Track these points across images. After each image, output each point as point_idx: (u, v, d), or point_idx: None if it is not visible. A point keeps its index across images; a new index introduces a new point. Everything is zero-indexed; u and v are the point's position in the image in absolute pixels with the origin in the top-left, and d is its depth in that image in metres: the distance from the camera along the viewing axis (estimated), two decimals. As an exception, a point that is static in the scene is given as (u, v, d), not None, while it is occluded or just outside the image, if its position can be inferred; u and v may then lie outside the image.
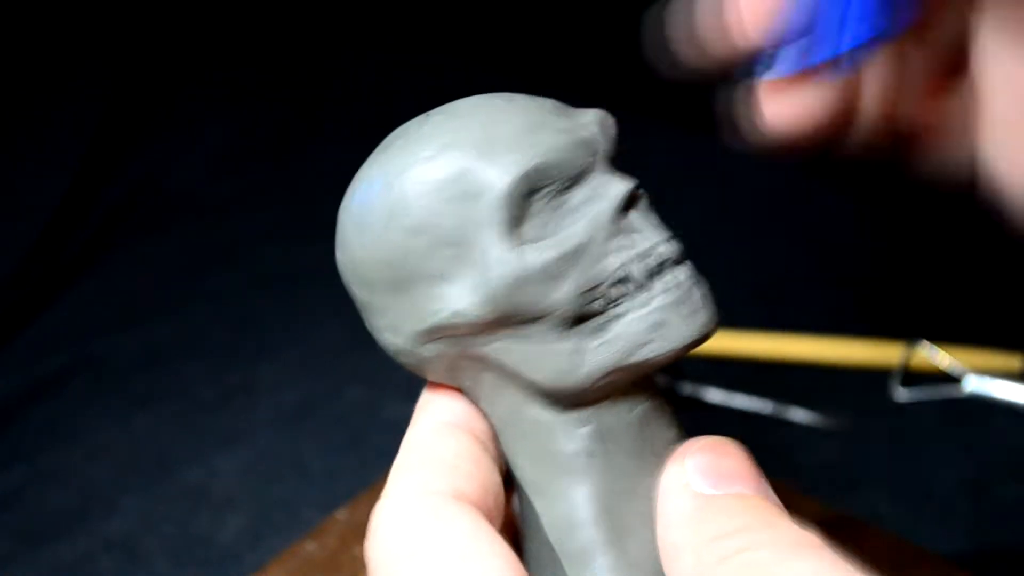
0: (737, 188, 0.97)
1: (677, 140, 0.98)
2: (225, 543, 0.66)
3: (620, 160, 0.34)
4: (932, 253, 0.86)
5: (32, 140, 1.11)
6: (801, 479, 0.66)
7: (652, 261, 0.32)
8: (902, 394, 0.72)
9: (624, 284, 0.32)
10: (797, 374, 0.75)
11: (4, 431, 0.75)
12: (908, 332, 0.74)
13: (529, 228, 0.32)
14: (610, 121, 0.34)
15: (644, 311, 0.32)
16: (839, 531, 0.63)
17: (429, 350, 0.33)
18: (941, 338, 0.73)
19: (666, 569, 0.31)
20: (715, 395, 0.72)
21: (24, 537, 0.67)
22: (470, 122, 0.33)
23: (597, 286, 0.32)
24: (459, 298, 0.32)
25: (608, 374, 0.32)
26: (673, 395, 0.72)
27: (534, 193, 0.32)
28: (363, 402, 0.75)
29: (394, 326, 0.34)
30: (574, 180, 0.32)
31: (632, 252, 0.32)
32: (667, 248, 0.32)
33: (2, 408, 0.77)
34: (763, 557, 0.28)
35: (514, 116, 0.33)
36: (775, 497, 0.32)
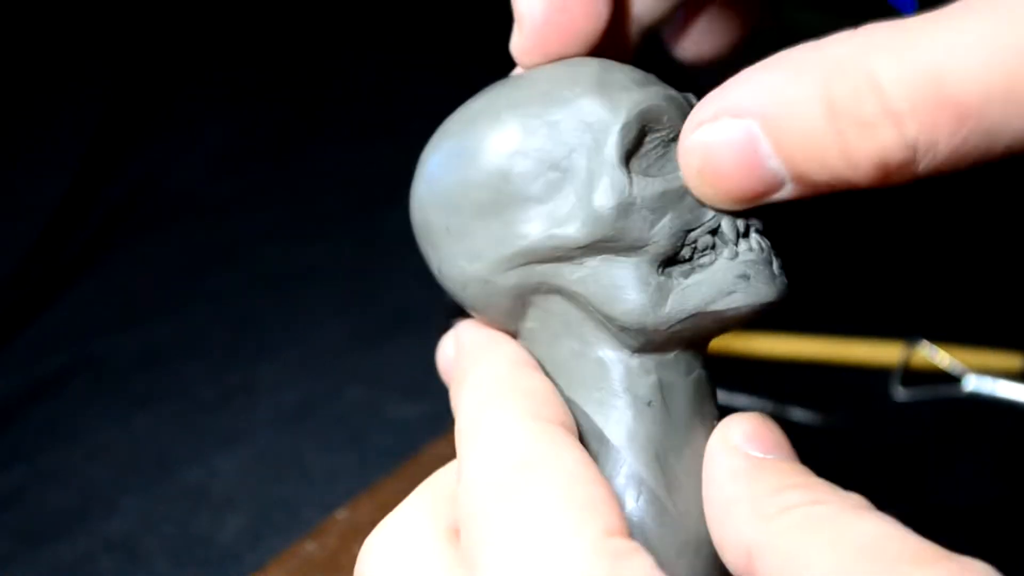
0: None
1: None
2: (225, 543, 0.66)
3: None
4: (932, 252, 0.86)
5: (32, 140, 1.11)
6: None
7: (741, 224, 0.33)
8: (902, 393, 0.72)
9: (714, 235, 0.33)
10: (797, 373, 0.75)
11: (4, 431, 0.75)
12: (908, 331, 0.74)
13: (637, 165, 0.33)
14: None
15: (732, 262, 0.33)
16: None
17: (508, 278, 0.34)
18: (941, 337, 0.73)
19: (716, 526, 0.31)
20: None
21: (24, 537, 0.67)
22: (584, 68, 0.34)
23: (692, 230, 0.33)
24: (557, 221, 0.33)
25: (687, 318, 0.33)
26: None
27: (647, 133, 0.33)
28: (363, 402, 0.75)
29: (475, 251, 0.34)
30: (675, 136, 0.33)
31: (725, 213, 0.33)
32: (754, 218, 0.34)
33: (2, 408, 0.77)
34: (829, 511, 0.29)
35: (623, 70, 0.34)
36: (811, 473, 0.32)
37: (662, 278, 0.33)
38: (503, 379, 0.33)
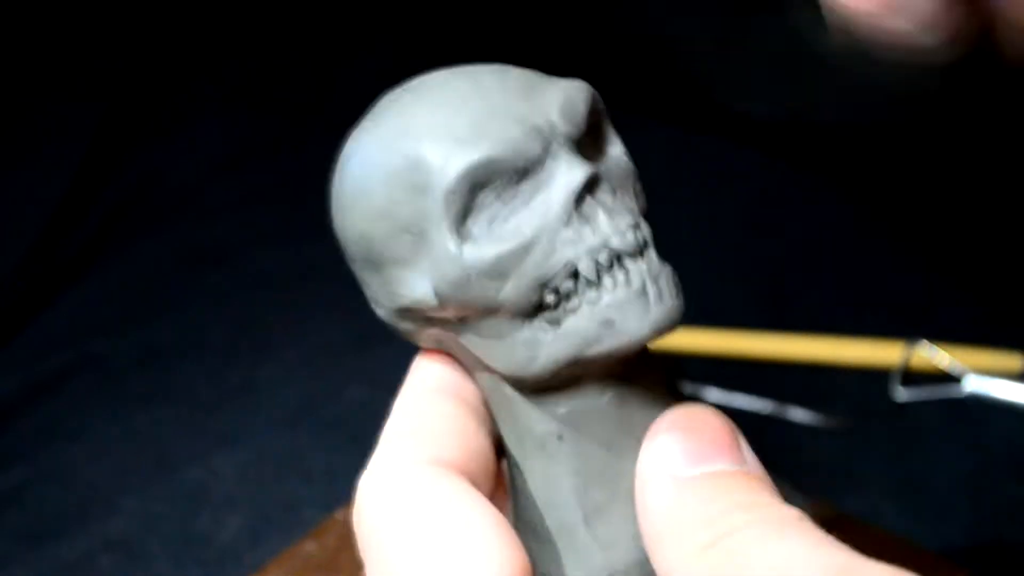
0: (736, 187, 0.97)
1: (677, 140, 0.98)
2: (225, 543, 0.66)
3: (595, 133, 0.33)
4: (932, 252, 0.86)
5: (32, 141, 1.11)
6: (801, 479, 0.66)
7: (603, 257, 0.31)
8: (902, 394, 0.72)
9: (575, 279, 0.31)
10: (797, 374, 0.75)
11: (4, 431, 0.75)
12: (908, 331, 0.74)
13: (476, 223, 0.31)
14: (580, 96, 0.32)
15: (594, 308, 0.31)
16: (839, 530, 0.63)
17: (406, 326, 0.33)
18: (941, 337, 0.73)
19: (652, 558, 0.31)
20: (715, 395, 0.72)
21: (24, 537, 0.67)
22: (431, 105, 0.32)
23: (548, 281, 0.31)
24: (418, 286, 0.32)
25: (563, 367, 0.31)
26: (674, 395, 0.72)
27: (482, 188, 0.31)
28: (363, 402, 0.75)
29: (375, 299, 0.34)
30: (525, 172, 0.31)
31: (582, 247, 0.31)
32: (621, 241, 0.31)
33: (2, 408, 0.77)
34: (742, 541, 0.28)
35: (472, 101, 0.32)
36: (756, 465, 0.31)
37: (529, 331, 0.31)
38: (404, 415, 0.33)
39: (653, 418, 0.33)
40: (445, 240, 0.31)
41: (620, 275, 0.31)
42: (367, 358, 0.79)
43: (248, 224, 0.99)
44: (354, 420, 0.74)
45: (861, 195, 0.91)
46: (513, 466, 0.34)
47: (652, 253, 0.32)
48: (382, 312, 0.34)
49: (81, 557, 0.65)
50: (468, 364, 0.34)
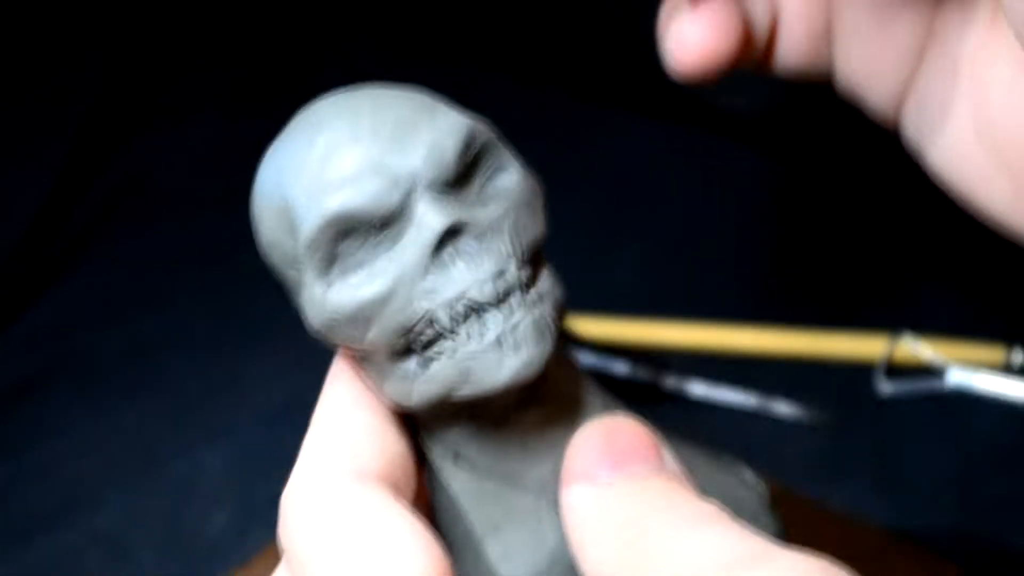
0: (719, 182, 0.97)
1: (661, 135, 0.98)
2: (212, 537, 0.66)
3: (474, 170, 0.33)
4: (915, 245, 0.86)
5: (18, 136, 1.11)
6: (785, 473, 0.66)
7: (460, 308, 0.31)
8: (885, 387, 0.72)
9: (434, 326, 0.31)
10: (781, 368, 0.75)
11: (-11, 426, 0.75)
12: (891, 325, 0.74)
13: (341, 269, 0.32)
14: (451, 140, 0.32)
15: (452, 360, 0.31)
16: (824, 525, 0.63)
17: (328, 339, 0.34)
18: (924, 330, 0.74)
19: (578, 564, 0.31)
20: (699, 389, 0.72)
21: (9, 532, 0.67)
22: (312, 144, 0.32)
23: (409, 329, 0.31)
24: (306, 316, 0.33)
25: (435, 405, 0.32)
26: (657, 390, 0.72)
27: (344, 237, 0.31)
28: (349, 397, 0.75)
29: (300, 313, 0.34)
30: (387, 221, 0.31)
31: (438, 299, 0.31)
32: (478, 292, 0.31)
33: (-12, 404, 0.77)
34: (661, 536, 0.29)
35: (344, 146, 0.32)
36: (674, 466, 0.32)
37: (402, 370, 0.32)
38: (322, 427, 0.34)
39: (558, 435, 0.34)
40: (312, 285, 0.32)
41: (476, 326, 0.31)
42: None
43: (235, 220, 0.98)
44: (340, 415, 0.74)
45: (843, 188, 0.91)
46: (427, 477, 0.35)
47: (517, 299, 0.32)
48: (306, 324, 0.34)
49: (67, 552, 0.65)
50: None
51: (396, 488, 0.32)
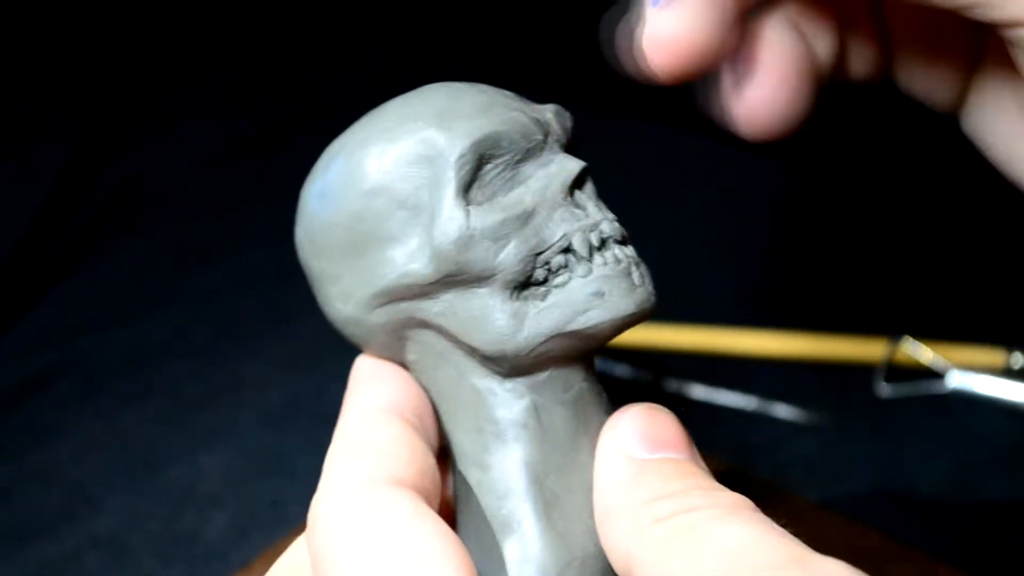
0: (719, 185, 0.97)
1: (662, 138, 0.98)
2: (211, 540, 0.66)
3: (578, 152, 0.36)
4: (915, 248, 0.86)
5: (16, 140, 1.11)
6: (784, 475, 0.66)
7: (595, 237, 0.33)
8: (885, 390, 0.72)
9: (567, 254, 0.33)
10: (781, 370, 0.75)
11: (-11, 430, 0.75)
12: (891, 328, 0.74)
13: (479, 193, 0.33)
14: (567, 114, 0.35)
15: (585, 280, 0.33)
16: (824, 527, 0.63)
17: (378, 316, 0.35)
18: (924, 334, 0.74)
19: (601, 534, 0.32)
20: (699, 391, 0.72)
21: (9, 535, 0.67)
22: (431, 98, 0.34)
23: (541, 252, 0.33)
24: (408, 258, 0.33)
25: (546, 340, 0.33)
26: (658, 392, 0.72)
27: (487, 161, 0.33)
28: (349, 400, 0.75)
29: (346, 293, 0.35)
30: (526, 155, 0.34)
31: (576, 225, 0.33)
32: (610, 227, 0.34)
33: (-13, 406, 0.77)
34: (698, 519, 0.29)
35: (473, 95, 0.34)
36: (705, 465, 0.32)
37: (517, 304, 0.33)
38: (353, 435, 0.34)
39: (604, 417, 0.34)
40: (450, 205, 0.32)
41: (609, 255, 0.33)
42: (352, 357, 0.79)
43: (233, 223, 0.99)
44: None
45: (844, 191, 0.91)
46: (468, 465, 0.35)
47: (629, 248, 0.34)
48: (349, 307, 0.35)
49: (67, 555, 0.65)
50: (426, 363, 0.35)
51: (426, 498, 0.32)
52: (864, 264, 0.86)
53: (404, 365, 0.37)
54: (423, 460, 0.33)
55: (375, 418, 0.34)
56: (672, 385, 0.72)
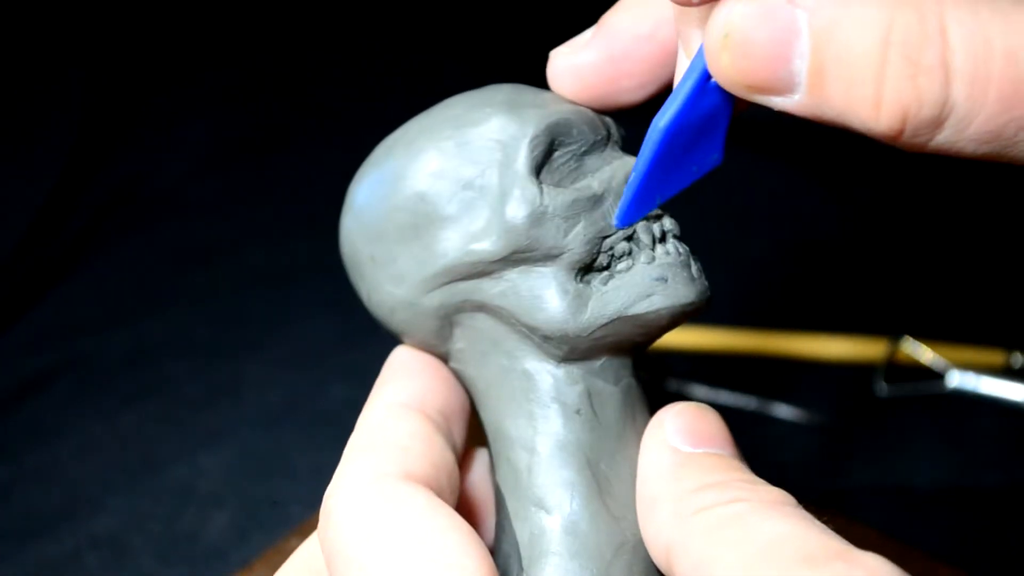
0: (721, 185, 0.97)
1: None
2: (211, 540, 0.66)
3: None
4: (915, 249, 0.86)
5: (17, 141, 1.11)
6: (785, 475, 0.66)
7: (657, 228, 0.34)
8: (885, 389, 0.72)
9: (631, 242, 0.34)
10: (781, 370, 0.75)
11: (-10, 429, 0.75)
12: (891, 328, 0.74)
13: (548, 177, 0.34)
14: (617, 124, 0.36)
15: (649, 266, 0.34)
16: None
17: (432, 299, 0.35)
18: (924, 334, 0.74)
19: (643, 522, 0.32)
20: (700, 391, 0.72)
21: (10, 535, 0.67)
22: (494, 92, 0.35)
23: (607, 236, 0.34)
24: (473, 236, 0.34)
25: (608, 323, 0.33)
26: (660, 392, 0.72)
27: (557, 147, 0.34)
28: (348, 399, 0.75)
29: (400, 275, 0.35)
30: (591, 147, 0.35)
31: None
32: (670, 222, 0.35)
33: (-12, 406, 0.77)
34: (739, 511, 0.29)
35: (535, 91, 0.35)
36: (746, 463, 0.33)
37: (581, 285, 0.34)
38: (370, 429, 0.34)
39: (646, 415, 0.35)
40: (523, 183, 0.33)
41: (671, 247, 0.34)
42: (352, 356, 0.79)
43: (233, 223, 0.99)
44: (339, 418, 0.74)
45: (845, 192, 0.91)
46: (517, 451, 0.35)
47: (684, 245, 0.35)
48: (402, 290, 0.35)
49: (67, 555, 0.65)
50: (476, 351, 0.36)
51: (441, 494, 0.32)
52: (864, 264, 0.86)
53: (444, 356, 0.37)
54: (440, 456, 0.33)
55: (393, 413, 0.35)
56: (672, 385, 0.72)
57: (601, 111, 0.36)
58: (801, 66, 0.28)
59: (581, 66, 0.35)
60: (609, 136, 0.35)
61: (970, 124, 0.26)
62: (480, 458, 0.38)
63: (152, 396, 0.78)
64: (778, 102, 0.29)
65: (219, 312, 0.87)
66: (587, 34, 0.36)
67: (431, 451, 0.33)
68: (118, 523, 0.67)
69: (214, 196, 1.04)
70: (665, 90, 0.36)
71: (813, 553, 0.27)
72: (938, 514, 0.65)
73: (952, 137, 0.27)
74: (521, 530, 0.34)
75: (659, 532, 0.30)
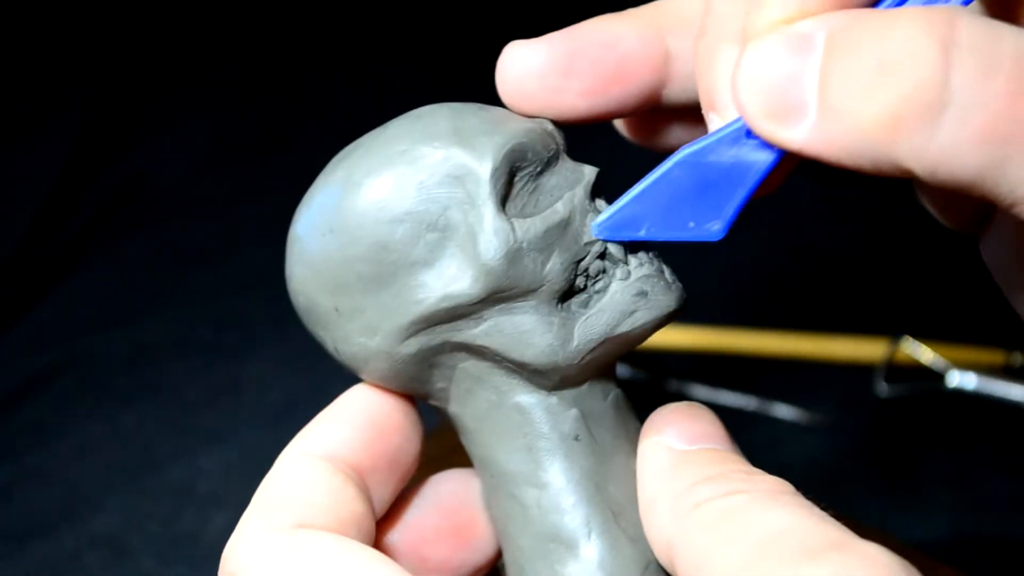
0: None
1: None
2: (211, 540, 0.66)
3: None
4: (915, 249, 0.86)
5: (18, 140, 1.11)
6: (785, 475, 0.66)
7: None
8: (885, 389, 0.72)
9: (604, 259, 0.33)
10: (781, 370, 0.75)
11: (-10, 429, 0.75)
12: (891, 328, 0.74)
13: (512, 207, 0.32)
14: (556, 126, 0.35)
15: (627, 282, 0.33)
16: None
17: (410, 346, 0.33)
18: (924, 334, 0.74)
19: (645, 524, 0.31)
20: (700, 392, 0.72)
21: (10, 535, 0.67)
22: (434, 118, 0.33)
23: (581, 260, 0.33)
24: (448, 280, 0.32)
25: (597, 347, 0.33)
26: (660, 392, 0.72)
27: (515, 173, 0.33)
28: (348, 400, 0.75)
29: (371, 326, 0.34)
30: (546, 165, 0.33)
31: None
32: None
33: (-12, 406, 0.77)
34: (738, 503, 0.29)
35: (475, 112, 0.33)
36: (743, 456, 0.32)
37: (563, 314, 0.33)
38: (272, 481, 0.34)
39: (636, 422, 0.35)
40: (493, 220, 0.32)
41: (642, 256, 0.33)
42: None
43: (233, 223, 0.99)
44: (340, 418, 0.74)
45: (844, 191, 0.91)
46: (519, 487, 0.34)
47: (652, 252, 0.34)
48: (376, 341, 0.34)
49: (67, 555, 0.65)
50: (459, 390, 0.35)
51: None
52: (864, 264, 0.86)
53: (423, 396, 0.36)
54: (346, 509, 0.33)
55: (304, 464, 0.34)
56: (672, 385, 0.72)
57: (540, 116, 0.34)
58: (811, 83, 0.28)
59: (533, 54, 0.34)
60: (558, 148, 0.34)
61: (973, 119, 0.25)
62: (445, 481, 0.37)
63: (152, 397, 0.78)
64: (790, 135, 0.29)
65: (219, 312, 0.87)
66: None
67: (336, 503, 0.32)
68: (118, 523, 0.67)
69: (214, 196, 1.04)
70: (611, 114, 0.35)
71: (811, 543, 0.27)
72: (938, 514, 0.65)
73: (954, 136, 0.26)
74: (542, 569, 0.33)
75: (660, 531, 0.30)
